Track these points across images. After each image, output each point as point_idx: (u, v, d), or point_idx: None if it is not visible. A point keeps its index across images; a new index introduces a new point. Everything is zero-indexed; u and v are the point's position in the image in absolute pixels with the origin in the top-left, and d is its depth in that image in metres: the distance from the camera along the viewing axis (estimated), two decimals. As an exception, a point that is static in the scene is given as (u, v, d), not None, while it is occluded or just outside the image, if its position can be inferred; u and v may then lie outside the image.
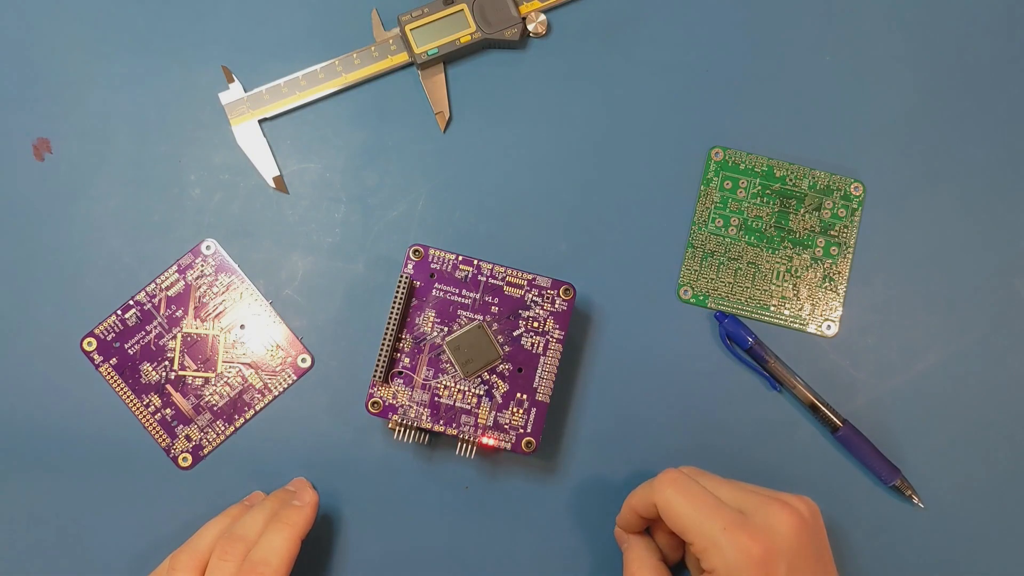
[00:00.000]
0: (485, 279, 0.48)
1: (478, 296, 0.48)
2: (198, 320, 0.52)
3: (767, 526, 0.41)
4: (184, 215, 0.53)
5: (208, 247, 0.53)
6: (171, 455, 0.51)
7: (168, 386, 0.52)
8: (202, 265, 0.53)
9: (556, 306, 0.48)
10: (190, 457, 0.51)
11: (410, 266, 0.48)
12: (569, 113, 0.54)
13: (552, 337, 0.48)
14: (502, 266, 0.48)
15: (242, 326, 0.52)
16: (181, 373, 0.52)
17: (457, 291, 0.48)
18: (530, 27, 0.54)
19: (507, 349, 0.48)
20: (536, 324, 0.48)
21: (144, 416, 0.52)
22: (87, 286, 0.53)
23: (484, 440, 0.47)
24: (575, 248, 0.53)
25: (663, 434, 0.52)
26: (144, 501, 0.51)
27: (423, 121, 0.54)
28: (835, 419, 0.51)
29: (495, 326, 0.48)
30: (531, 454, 0.48)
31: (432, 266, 0.48)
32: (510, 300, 0.48)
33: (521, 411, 0.48)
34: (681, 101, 0.54)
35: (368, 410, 0.47)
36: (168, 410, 0.52)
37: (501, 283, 0.48)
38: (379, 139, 0.54)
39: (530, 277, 0.48)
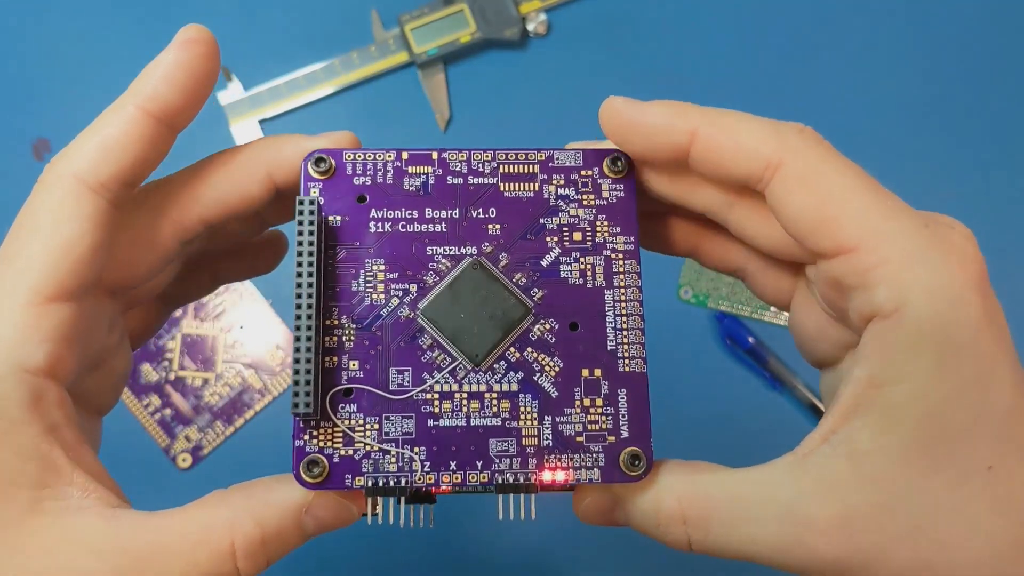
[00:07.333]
0: (461, 182, 0.29)
1: (457, 213, 0.29)
2: (197, 320, 0.52)
3: (963, 241, 0.25)
4: (184, 215, 0.53)
5: (208, 247, 0.53)
6: (170, 455, 0.51)
7: (167, 386, 0.52)
8: (202, 265, 0.53)
9: (606, 194, 0.29)
10: (189, 458, 0.51)
11: (315, 191, 0.29)
12: (569, 113, 0.54)
13: (615, 248, 0.29)
14: (485, 151, 0.29)
15: (241, 326, 0.52)
16: (181, 373, 0.52)
17: (415, 214, 0.29)
18: (530, 27, 0.54)
19: (538, 294, 0.28)
20: (579, 236, 0.29)
21: (143, 416, 0.51)
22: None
23: (546, 476, 0.27)
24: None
25: (662, 434, 0.51)
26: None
27: (423, 121, 0.54)
28: (835, 419, 0.51)
29: (503, 259, 0.28)
30: (641, 478, 0.27)
31: (358, 181, 0.29)
32: (518, 206, 0.29)
33: (601, 401, 0.28)
34: (682, 100, 0.54)
35: (302, 479, 0.27)
36: (167, 410, 0.52)
37: (493, 181, 0.29)
38: (379, 139, 0.54)
39: (543, 157, 0.30)
